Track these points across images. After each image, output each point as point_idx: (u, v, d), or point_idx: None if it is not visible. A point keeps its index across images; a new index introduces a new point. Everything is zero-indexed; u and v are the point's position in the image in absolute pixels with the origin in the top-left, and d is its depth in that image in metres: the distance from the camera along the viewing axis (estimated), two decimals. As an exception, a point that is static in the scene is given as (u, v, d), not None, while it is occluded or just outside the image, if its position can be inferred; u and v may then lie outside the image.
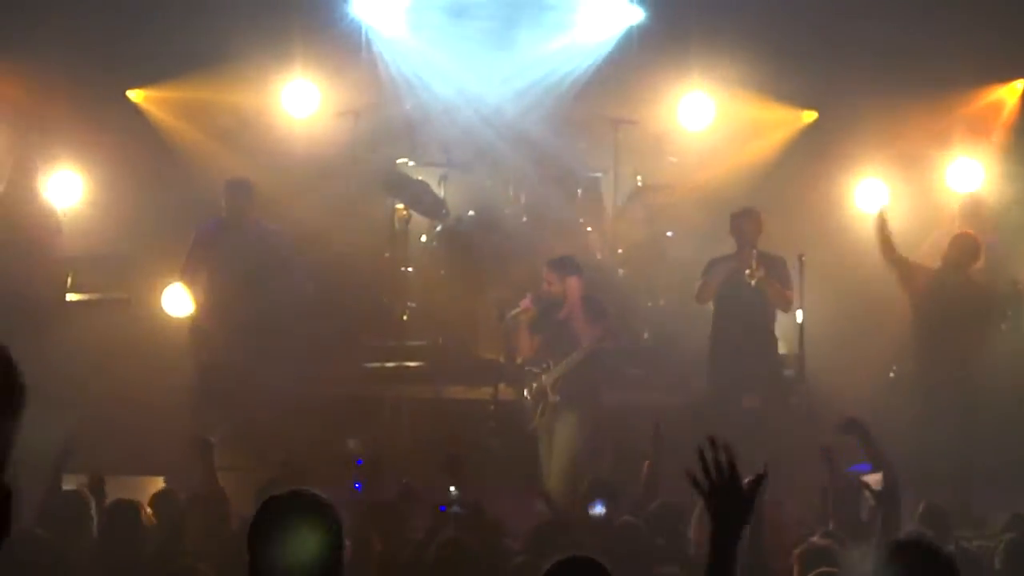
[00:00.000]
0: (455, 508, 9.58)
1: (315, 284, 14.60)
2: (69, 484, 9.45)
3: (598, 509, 10.19)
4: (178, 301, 13.41)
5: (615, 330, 12.59)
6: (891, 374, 14.02)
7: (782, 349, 14.63)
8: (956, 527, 9.56)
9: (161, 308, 13.70)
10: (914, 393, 13.49)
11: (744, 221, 13.31)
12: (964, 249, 13.44)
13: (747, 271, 13.05)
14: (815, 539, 8.24)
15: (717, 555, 4.33)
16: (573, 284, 12.38)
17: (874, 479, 9.65)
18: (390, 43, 16.20)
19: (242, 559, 4.55)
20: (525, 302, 12.59)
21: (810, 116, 16.36)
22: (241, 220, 13.58)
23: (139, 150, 15.60)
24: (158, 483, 12.42)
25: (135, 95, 16.05)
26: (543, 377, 12.41)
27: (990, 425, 13.14)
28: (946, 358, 13.21)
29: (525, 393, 12.56)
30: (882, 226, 13.71)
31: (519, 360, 12.79)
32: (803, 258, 13.41)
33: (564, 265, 12.53)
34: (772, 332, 13.56)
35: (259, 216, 13.83)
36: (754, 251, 13.13)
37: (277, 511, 4.57)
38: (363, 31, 16.11)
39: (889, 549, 5.35)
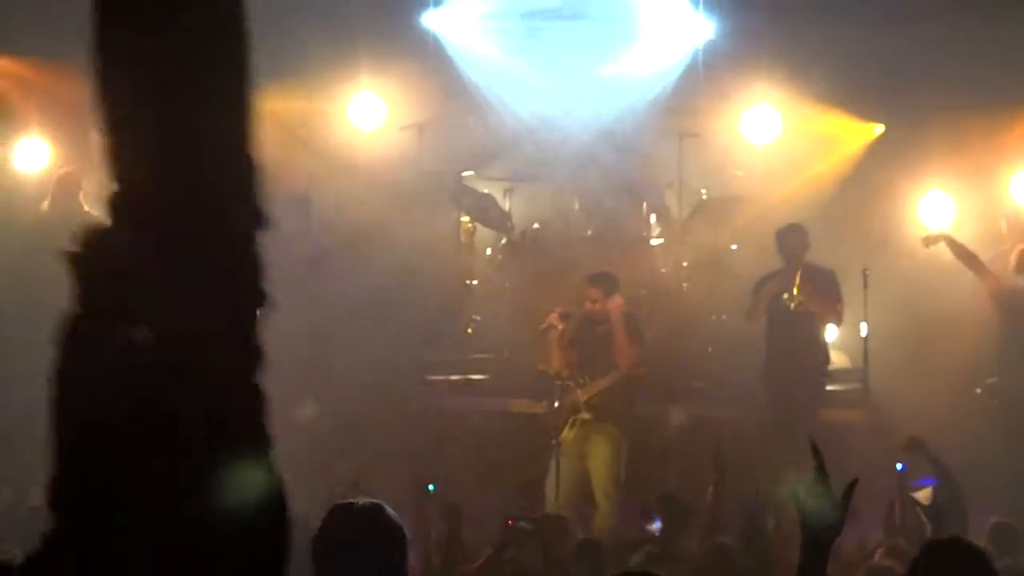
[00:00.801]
0: (522, 523, 9.62)
1: (378, 295, 14.67)
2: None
3: (656, 525, 10.22)
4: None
5: (648, 356, 12.74)
6: (978, 390, 13.87)
7: (847, 363, 14.58)
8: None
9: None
10: (1001, 409, 13.35)
11: (788, 238, 13.32)
12: None
13: (785, 295, 13.05)
14: (877, 559, 8.21)
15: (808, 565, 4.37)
16: (617, 302, 12.52)
17: (923, 494, 9.61)
18: (458, 55, 16.22)
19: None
20: (553, 317, 12.74)
21: (876, 129, 16.27)
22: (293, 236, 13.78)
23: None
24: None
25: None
26: (578, 392, 12.53)
27: None
28: None
29: (556, 405, 12.70)
30: (955, 248, 13.62)
31: (552, 373, 12.89)
32: (867, 272, 13.38)
33: (606, 282, 12.66)
34: (822, 348, 13.53)
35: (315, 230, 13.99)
36: (798, 270, 13.10)
37: (345, 522, 4.59)
38: (431, 42, 16.13)
39: (923, 549, 5.36)
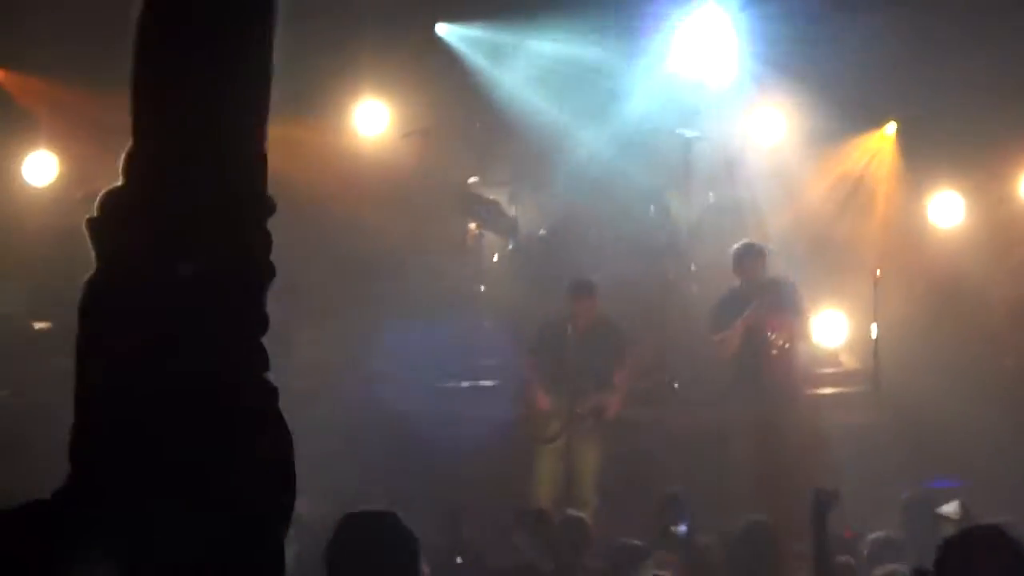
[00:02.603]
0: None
1: (386, 303, 14.64)
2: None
3: (682, 529, 10.22)
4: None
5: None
6: None
7: (856, 365, 14.51)
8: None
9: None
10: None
11: (745, 259, 13.19)
12: None
13: (774, 351, 12.94)
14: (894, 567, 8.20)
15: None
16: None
17: (950, 509, 9.60)
18: (465, 61, 16.12)
19: None
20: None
21: (888, 129, 16.15)
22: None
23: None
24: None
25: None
26: (576, 402, 12.85)
27: None
28: None
29: (557, 407, 12.95)
30: None
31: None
32: (878, 272, 13.30)
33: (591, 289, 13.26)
34: (800, 375, 13.51)
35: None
36: (765, 297, 12.95)
37: (359, 530, 4.54)
38: (439, 50, 16.04)
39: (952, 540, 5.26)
